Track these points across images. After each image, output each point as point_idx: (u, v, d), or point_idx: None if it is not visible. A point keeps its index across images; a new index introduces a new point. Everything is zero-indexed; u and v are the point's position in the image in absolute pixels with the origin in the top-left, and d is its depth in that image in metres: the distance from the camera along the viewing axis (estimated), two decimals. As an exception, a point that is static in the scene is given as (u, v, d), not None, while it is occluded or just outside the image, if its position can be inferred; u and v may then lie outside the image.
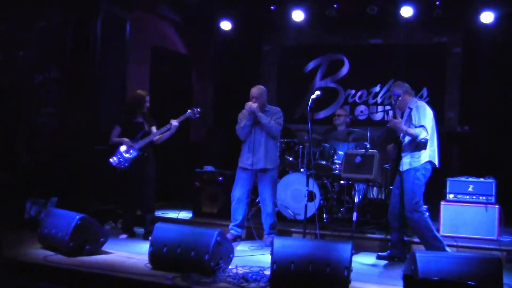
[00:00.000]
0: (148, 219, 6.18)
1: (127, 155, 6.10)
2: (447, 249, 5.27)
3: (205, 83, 10.02)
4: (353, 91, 9.43)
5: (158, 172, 6.35)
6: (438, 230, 5.84)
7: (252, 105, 6.00)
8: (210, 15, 8.98)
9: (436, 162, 5.39)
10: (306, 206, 5.61)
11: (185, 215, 7.24)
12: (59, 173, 6.96)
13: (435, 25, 8.71)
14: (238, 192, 6.15)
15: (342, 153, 6.77)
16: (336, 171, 7.03)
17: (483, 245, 5.85)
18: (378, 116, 9.16)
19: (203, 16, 9.11)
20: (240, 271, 4.66)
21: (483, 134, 8.29)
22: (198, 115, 6.27)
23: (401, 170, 5.42)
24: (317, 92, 5.75)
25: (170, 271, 4.54)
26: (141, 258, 5.05)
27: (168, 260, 4.68)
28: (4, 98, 7.18)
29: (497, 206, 6.20)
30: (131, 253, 5.40)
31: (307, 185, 5.69)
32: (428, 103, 5.45)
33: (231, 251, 4.86)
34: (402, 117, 5.42)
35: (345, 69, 9.50)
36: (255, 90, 6.15)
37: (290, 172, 7.23)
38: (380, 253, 5.69)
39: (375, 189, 7.34)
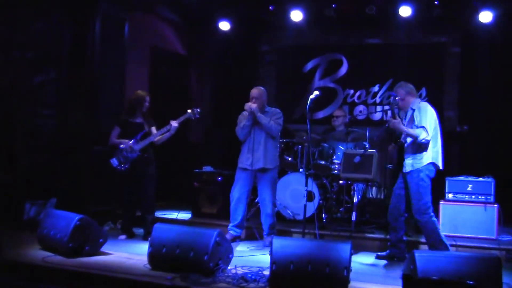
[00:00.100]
0: (149, 219, 6.17)
1: (127, 156, 6.10)
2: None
3: (204, 83, 10.02)
4: (352, 91, 9.43)
5: (157, 172, 6.35)
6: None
7: (251, 105, 6.00)
8: (209, 16, 8.97)
9: (440, 164, 5.32)
10: (305, 206, 5.61)
11: (184, 215, 7.25)
12: (58, 173, 6.95)
13: (434, 25, 8.71)
14: (238, 193, 6.14)
15: (341, 153, 6.77)
16: (335, 171, 7.03)
17: (482, 245, 5.87)
18: (377, 116, 9.16)
19: (202, 17, 9.12)
20: (240, 271, 4.65)
21: (482, 133, 8.29)
22: (198, 116, 6.27)
23: (404, 171, 5.40)
24: (316, 92, 5.77)
25: (169, 272, 4.52)
26: (140, 259, 5.04)
27: (167, 261, 4.68)
28: (3, 99, 7.17)
29: (496, 205, 6.21)
30: (130, 253, 5.39)
31: (306, 185, 5.69)
32: (427, 102, 5.44)
33: (230, 251, 4.85)
34: (406, 118, 5.41)
35: (344, 69, 9.50)
36: (255, 90, 6.16)
37: (289, 172, 7.23)
38: (379, 253, 5.69)
39: (374, 189, 7.35)
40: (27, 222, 6.44)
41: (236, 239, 6.24)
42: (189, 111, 6.23)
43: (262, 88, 6.27)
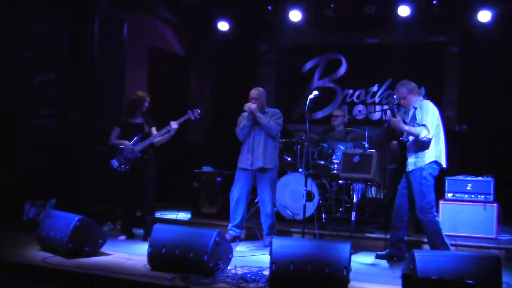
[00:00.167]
0: (149, 220, 6.17)
1: (127, 157, 6.09)
2: None
3: (203, 84, 10.02)
4: (351, 91, 9.43)
5: (157, 173, 6.35)
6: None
7: (251, 105, 6.01)
8: (208, 16, 8.97)
9: (443, 163, 5.30)
10: (304, 206, 5.61)
11: (183, 215, 7.25)
12: (58, 173, 6.95)
13: (433, 24, 8.71)
14: (237, 193, 6.14)
15: (340, 153, 6.77)
16: (335, 171, 7.03)
17: (481, 244, 5.87)
18: (376, 115, 9.15)
19: (201, 17, 9.11)
20: (239, 271, 4.66)
21: (481, 133, 8.29)
22: (198, 117, 6.26)
23: (407, 170, 5.38)
24: (315, 92, 5.77)
25: (169, 272, 4.53)
26: (140, 259, 5.04)
27: (167, 261, 4.68)
28: (3, 99, 7.17)
29: (495, 204, 6.22)
30: (130, 254, 5.39)
31: (306, 185, 5.69)
32: (429, 100, 5.42)
33: (230, 251, 4.85)
34: (408, 116, 5.40)
35: (342, 69, 9.50)
36: (254, 91, 6.17)
37: (288, 172, 7.23)
38: (379, 252, 5.69)
39: (373, 188, 7.35)
40: (27, 223, 6.44)
41: (236, 239, 6.24)
42: (189, 111, 6.23)
43: (261, 89, 6.28)
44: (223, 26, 8.95)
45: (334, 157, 7.15)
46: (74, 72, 7.12)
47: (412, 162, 5.31)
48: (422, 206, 5.21)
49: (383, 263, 5.47)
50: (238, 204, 6.15)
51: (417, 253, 4.12)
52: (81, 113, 7.08)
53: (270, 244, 4.49)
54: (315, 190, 6.78)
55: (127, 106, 6.43)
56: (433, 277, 3.91)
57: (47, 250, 5.25)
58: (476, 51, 8.46)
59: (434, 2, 7.82)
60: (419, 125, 5.22)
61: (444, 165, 5.32)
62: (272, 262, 4.30)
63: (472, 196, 6.34)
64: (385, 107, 8.91)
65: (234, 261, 4.89)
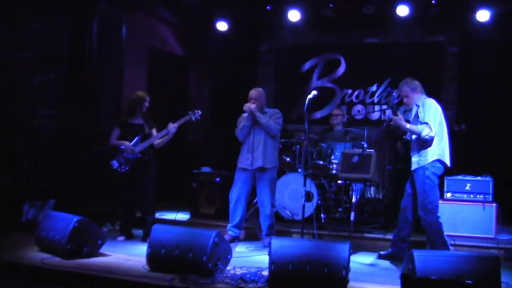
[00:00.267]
0: (149, 221, 6.16)
1: (127, 158, 6.09)
2: None
3: (202, 84, 10.02)
4: (350, 91, 9.43)
5: (157, 173, 6.35)
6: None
7: (250, 105, 6.01)
8: (207, 16, 8.97)
9: (447, 161, 5.26)
10: (303, 206, 5.61)
11: (182, 216, 7.25)
12: (58, 173, 6.95)
13: (431, 24, 8.71)
14: (237, 193, 6.15)
15: (339, 153, 6.78)
16: (334, 171, 7.03)
17: (480, 244, 5.87)
18: (375, 115, 9.15)
19: (200, 17, 9.12)
20: (238, 272, 4.66)
21: (480, 132, 8.29)
22: (199, 118, 6.24)
23: (411, 169, 5.36)
24: (314, 92, 5.76)
25: (168, 273, 4.53)
26: (139, 260, 5.04)
27: (166, 262, 4.68)
28: (3, 99, 7.18)
29: (494, 204, 6.22)
30: (129, 255, 5.39)
31: (305, 185, 5.69)
32: (432, 98, 5.41)
33: (229, 252, 4.86)
34: (411, 115, 5.39)
35: (341, 69, 9.50)
36: (253, 91, 6.18)
37: (287, 172, 7.23)
38: (381, 252, 5.67)
39: (372, 188, 7.35)
40: (26, 224, 6.45)
41: (235, 239, 6.24)
42: (190, 112, 6.21)
43: (260, 89, 6.28)
44: (222, 26, 8.95)
45: (333, 157, 7.15)
46: (74, 72, 7.13)
47: (415, 161, 5.29)
48: (425, 206, 5.19)
49: (382, 263, 5.47)
50: (238, 204, 6.15)
51: (416, 253, 4.12)
52: (81, 113, 7.08)
53: (269, 245, 4.49)
54: (314, 190, 6.78)
55: (127, 106, 6.42)
56: (432, 277, 3.91)
57: (46, 251, 5.25)
58: (475, 51, 8.46)
59: (433, 1, 7.83)
60: (421, 123, 5.20)
61: (448, 163, 5.29)
62: (271, 262, 4.31)
63: (471, 196, 6.34)
64: (384, 107, 8.91)
65: (233, 262, 4.89)
